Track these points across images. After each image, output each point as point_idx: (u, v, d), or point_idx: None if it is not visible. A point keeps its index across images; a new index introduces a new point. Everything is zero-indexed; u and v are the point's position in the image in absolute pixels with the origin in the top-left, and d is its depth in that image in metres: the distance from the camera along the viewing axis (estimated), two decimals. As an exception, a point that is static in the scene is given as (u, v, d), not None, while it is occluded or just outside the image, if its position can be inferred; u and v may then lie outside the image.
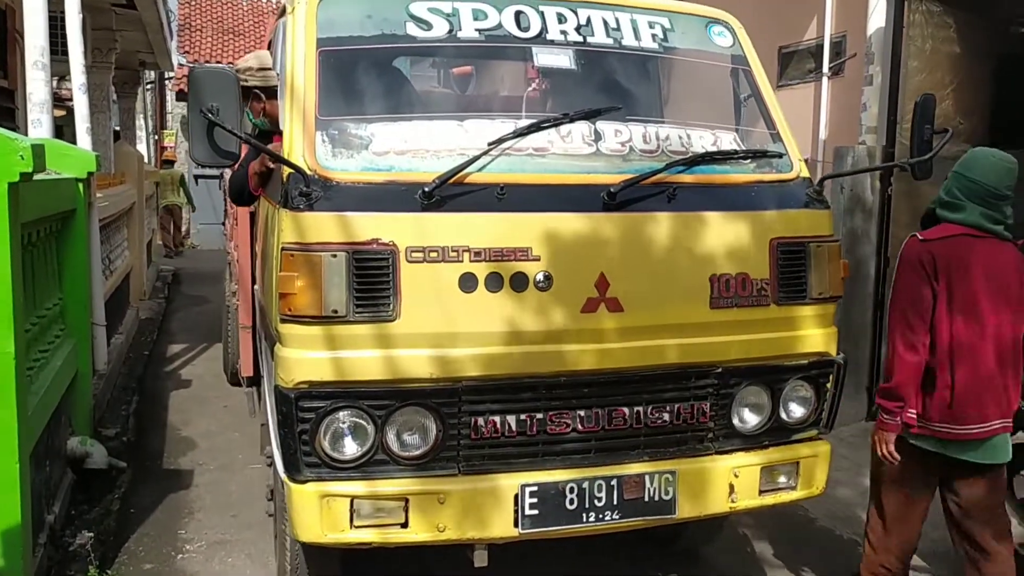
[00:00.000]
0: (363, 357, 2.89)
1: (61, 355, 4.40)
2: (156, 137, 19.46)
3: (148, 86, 19.40)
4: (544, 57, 3.44)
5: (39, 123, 5.11)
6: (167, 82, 20.52)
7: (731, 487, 3.26)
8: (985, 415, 3.12)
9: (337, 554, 3.41)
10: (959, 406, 3.10)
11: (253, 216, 4.47)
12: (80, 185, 4.95)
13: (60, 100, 18.94)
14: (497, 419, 3.01)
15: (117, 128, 14.83)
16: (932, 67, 6.16)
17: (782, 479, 3.37)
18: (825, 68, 7.04)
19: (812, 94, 7.37)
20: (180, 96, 19.45)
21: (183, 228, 17.73)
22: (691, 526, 3.96)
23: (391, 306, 2.86)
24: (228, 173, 5.27)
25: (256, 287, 4.29)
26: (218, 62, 19.05)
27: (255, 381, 4.78)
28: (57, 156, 4.63)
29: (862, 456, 4.85)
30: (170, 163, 17.98)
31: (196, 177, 18.27)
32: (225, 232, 8.54)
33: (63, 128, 7.89)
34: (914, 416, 3.16)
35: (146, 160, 15.75)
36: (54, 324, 4.55)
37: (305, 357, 2.87)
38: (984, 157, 3.16)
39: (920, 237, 3.21)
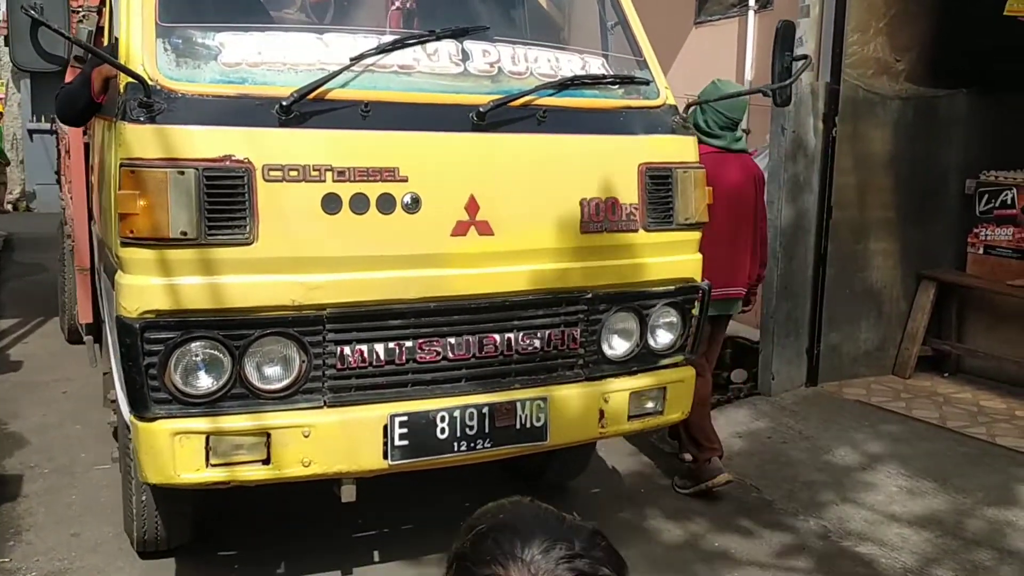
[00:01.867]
0: (217, 283, 2.68)
1: None
2: None
3: None
4: (408, -28, 3.27)
5: None
6: None
7: (601, 413, 3.26)
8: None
9: (189, 496, 3.21)
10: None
11: (87, 148, 4.10)
12: None
13: None
14: (364, 348, 2.88)
15: None
16: (873, -2, 5.44)
17: (650, 404, 3.41)
18: (751, 1, 6.32)
19: (736, 30, 6.65)
20: (7, 41, 17.66)
21: (6, 187, 15.96)
22: (558, 459, 3.97)
23: (248, 228, 2.66)
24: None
25: (94, 223, 3.95)
26: None
27: (95, 329, 4.44)
28: None
29: (809, 427, 4.85)
30: None
31: (31, 132, 16.30)
32: (59, 182, 7.86)
33: None
34: None
35: None
36: None
37: (151, 284, 2.64)
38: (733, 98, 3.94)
39: None
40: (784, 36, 3.35)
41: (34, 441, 4.64)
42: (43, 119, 14.50)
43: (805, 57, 3.35)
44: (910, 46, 5.57)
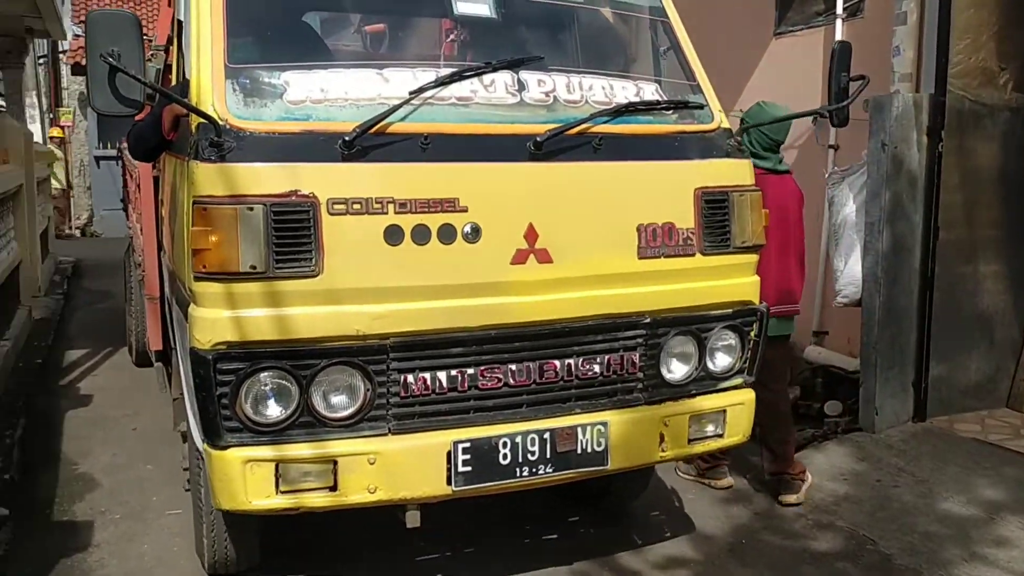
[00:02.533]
0: (285, 314, 2.76)
1: None
2: (52, 116, 17.79)
3: (41, 61, 17.75)
4: (463, 5, 3.35)
5: None
6: (62, 55, 18.48)
7: (661, 436, 3.27)
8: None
9: (258, 521, 3.29)
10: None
11: (157, 181, 4.24)
12: None
13: None
14: (427, 376, 2.93)
15: (2, 105, 13.68)
16: (979, 2, 5.02)
17: (710, 427, 3.40)
18: (839, 8, 5.72)
19: (821, 41, 6.01)
20: (76, 70, 16.88)
21: (68, 212, 16.39)
22: (618, 482, 3.97)
23: (313, 260, 2.74)
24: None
25: (163, 253, 4.08)
26: None
27: (164, 355, 4.58)
28: None
29: (922, 469, 4.53)
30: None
31: (97, 159, 16.41)
32: (125, 208, 8.10)
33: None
34: None
35: (40, 140, 14.40)
36: None
37: (222, 316, 2.73)
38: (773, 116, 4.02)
39: None
40: (840, 56, 3.34)
41: (105, 483, 4.52)
42: (109, 146, 14.89)
43: (863, 77, 3.33)
44: (1015, 53, 5.18)
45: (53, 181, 14.13)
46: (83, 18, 16.22)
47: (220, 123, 2.72)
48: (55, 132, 16.37)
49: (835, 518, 4.07)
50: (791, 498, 4.24)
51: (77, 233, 16.28)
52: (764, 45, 6.56)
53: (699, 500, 4.33)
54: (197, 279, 2.73)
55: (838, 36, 5.67)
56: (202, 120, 2.74)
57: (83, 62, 14.82)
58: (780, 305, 4.10)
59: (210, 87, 2.81)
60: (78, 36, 16.04)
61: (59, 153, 15.52)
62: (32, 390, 5.97)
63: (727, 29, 6.67)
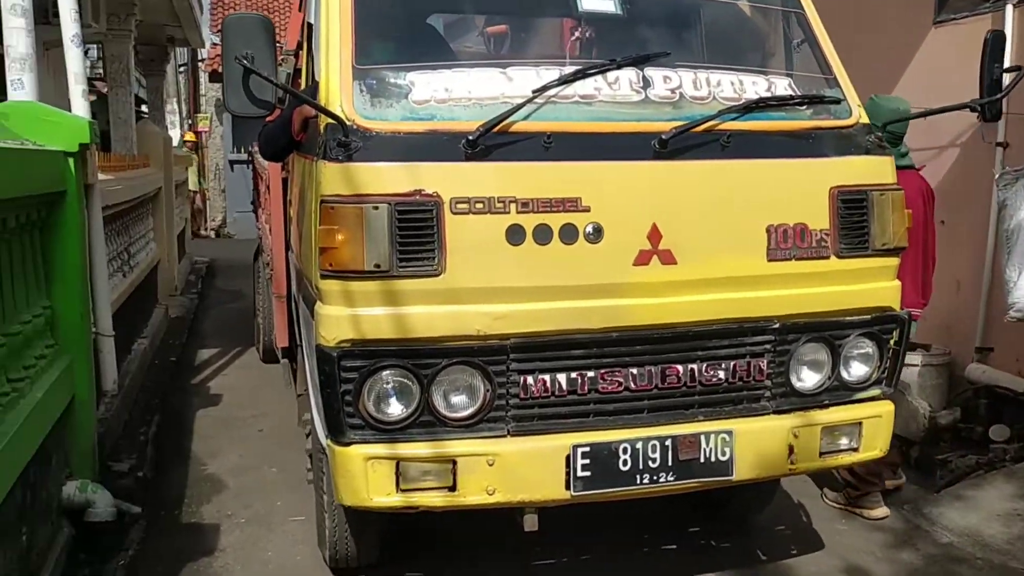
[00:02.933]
0: (407, 313, 2.77)
1: (48, 379, 3.42)
2: (190, 121, 18.68)
3: (181, 69, 18.63)
4: (588, 2, 3.30)
5: (19, 84, 4.25)
6: (200, 63, 19.14)
7: (790, 448, 3.12)
8: None
9: (377, 517, 3.32)
10: None
11: (285, 182, 4.38)
12: (71, 161, 3.89)
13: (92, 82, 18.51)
14: (547, 378, 2.89)
15: (145, 111, 14.27)
16: None
17: (843, 441, 3.23)
18: None
19: (989, 29, 5.03)
20: (214, 77, 17.52)
21: (205, 213, 17.15)
22: (741, 493, 3.83)
23: (436, 260, 2.75)
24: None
25: (291, 252, 4.20)
26: None
27: (290, 352, 4.71)
28: (35, 122, 3.75)
29: None
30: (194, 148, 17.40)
31: (232, 162, 17.03)
32: (255, 210, 8.43)
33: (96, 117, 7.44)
34: None
35: (176, 144, 15.22)
36: (38, 339, 3.52)
37: (347, 314, 2.77)
38: (897, 112, 3.88)
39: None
40: (993, 47, 3.12)
41: (231, 485, 4.57)
42: (242, 150, 15.36)
43: (1019, 68, 3.09)
44: None
45: (189, 185, 14.80)
46: (220, 28, 17.02)
47: (347, 123, 2.76)
48: (189, 137, 17.29)
49: (1008, 558, 3.73)
50: (878, 512, 4.12)
51: (212, 234, 17.00)
52: (921, 35, 6.05)
53: (851, 530, 4.10)
54: (323, 277, 2.78)
55: (1008, 23, 5.21)
56: (330, 121, 2.79)
57: (220, 69, 15.64)
58: (912, 308, 3.86)
59: (338, 88, 2.86)
60: (216, 44, 16.65)
61: (193, 157, 16.29)
62: (166, 388, 6.12)
63: (878, 18, 6.21)
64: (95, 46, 11.98)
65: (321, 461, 3.36)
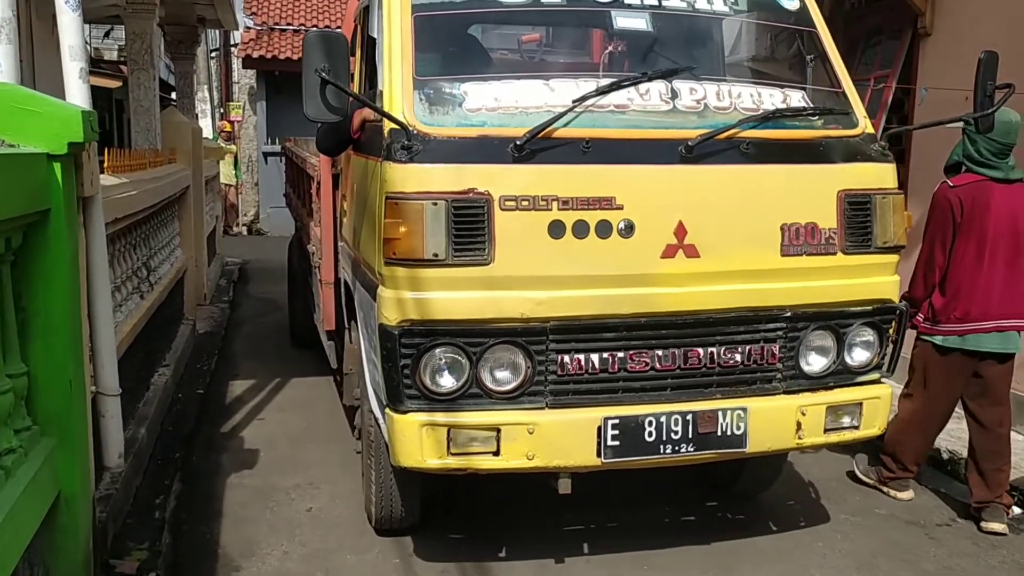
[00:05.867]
0: (460, 298, 3.14)
1: (19, 479, 2.52)
2: (222, 110, 17.92)
3: (212, 54, 17.90)
4: (623, 20, 3.65)
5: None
6: (233, 48, 17.87)
7: (798, 424, 3.46)
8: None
9: (421, 482, 3.69)
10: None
11: (335, 177, 4.73)
12: (57, 167, 2.83)
13: (98, 63, 16.14)
14: (581, 357, 3.25)
15: (173, 99, 13.50)
16: None
17: (846, 419, 3.57)
18: None
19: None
20: (248, 63, 16.17)
21: (237, 208, 16.29)
22: (749, 469, 4.18)
23: (486, 250, 3.10)
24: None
25: (340, 242, 4.55)
26: (288, 24, 16.30)
27: (335, 335, 5.06)
28: (7, 113, 2.76)
29: None
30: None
31: (265, 155, 16.16)
32: (289, 204, 8.62)
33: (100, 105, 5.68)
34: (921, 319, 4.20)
35: (209, 135, 14.51)
36: (5, 423, 2.59)
37: (407, 297, 3.13)
38: (1007, 123, 3.92)
39: (951, 184, 4.08)
40: (987, 65, 3.44)
41: None
42: (276, 142, 14.19)
43: (1009, 86, 3.42)
44: None
45: (224, 178, 14.02)
46: (254, 10, 16.51)
47: (410, 129, 3.12)
48: (225, 127, 16.45)
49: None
50: (996, 526, 4.04)
51: (244, 231, 16.34)
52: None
53: (858, 505, 4.35)
54: (387, 264, 3.14)
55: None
56: (394, 126, 3.15)
57: (253, 55, 15.72)
58: (1006, 319, 4.05)
59: (400, 97, 3.23)
60: (249, 28, 16.02)
61: (232, 148, 15.59)
62: (190, 437, 5.11)
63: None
64: (121, 27, 10.89)
65: (372, 431, 3.73)
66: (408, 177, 3.10)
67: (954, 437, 4.82)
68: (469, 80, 3.35)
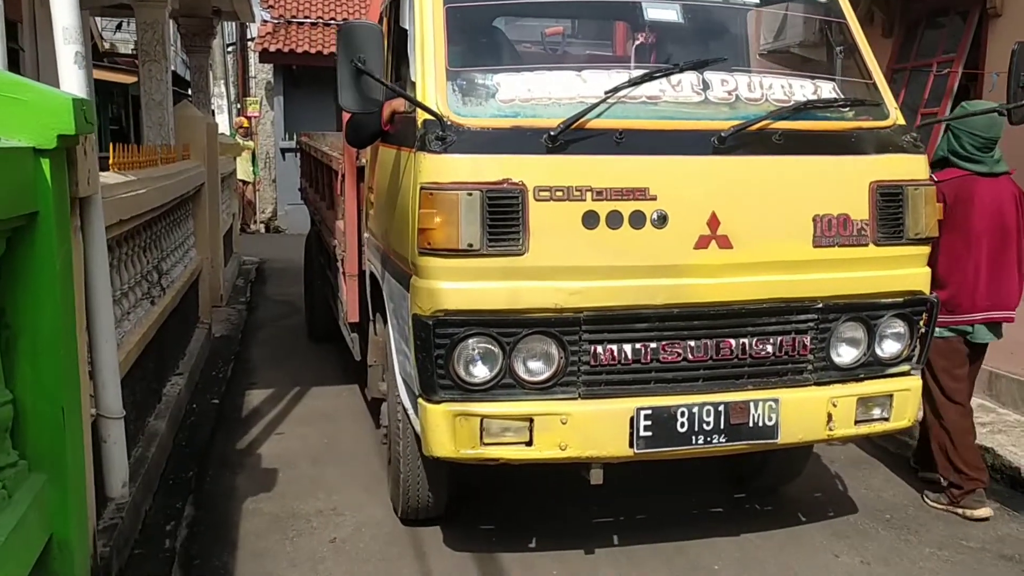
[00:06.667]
0: (494, 288, 3.15)
1: (3, 524, 2.22)
2: (239, 106, 17.71)
3: (229, 49, 17.67)
4: (654, 12, 3.65)
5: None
6: (250, 42, 17.69)
7: (829, 416, 3.46)
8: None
9: (448, 472, 3.71)
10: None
11: (360, 170, 4.74)
12: (45, 163, 2.53)
13: (112, 56, 16.48)
14: (614, 347, 3.25)
15: (188, 94, 13.21)
16: None
17: (876, 411, 3.57)
18: None
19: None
20: (264, 57, 15.88)
21: (255, 205, 16.04)
22: (773, 463, 4.18)
23: (520, 241, 3.11)
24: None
25: (366, 234, 4.56)
26: (305, 17, 16.12)
27: (359, 327, 5.07)
28: None
29: None
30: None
31: (283, 151, 15.89)
32: (304, 197, 8.63)
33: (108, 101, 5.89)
34: None
35: (226, 131, 14.44)
36: None
37: (442, 287, 3.14)
38: (988, 117, 3.95)
39: (935, 179, 3.89)
40: (1020, 56, 3.43)
41: None
42: (294, 138, 13.49)
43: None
44: None
45: (240, 175, 13.73)
46: (271, 2, 16.38)
47: (444, 119, 3.13)
48: (243, 122, 16.13)
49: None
50: (980, 512, 4.08)
51: (261, 228, 16.14)
52: None
53: (885, 497, 4.31)
54: (421, 254, 3.15)
55: None
56: (428, 116, 3.16)
57: (271, 48, 15.70)
58: (995, 311, 4.09)
59: (434, 88, 3.23)
60: (266, 21, 15.73)
61: (250, 144, 15.29)
62: (204, 453, 4.82)
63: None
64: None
65: (400, 422, 3.75)
66: (443, 167, 3.11)
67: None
68: (501, 71, 3.36)
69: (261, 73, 17.49)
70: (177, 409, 5.10)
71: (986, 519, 4.10)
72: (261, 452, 4.98)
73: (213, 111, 12.92)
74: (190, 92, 12.48)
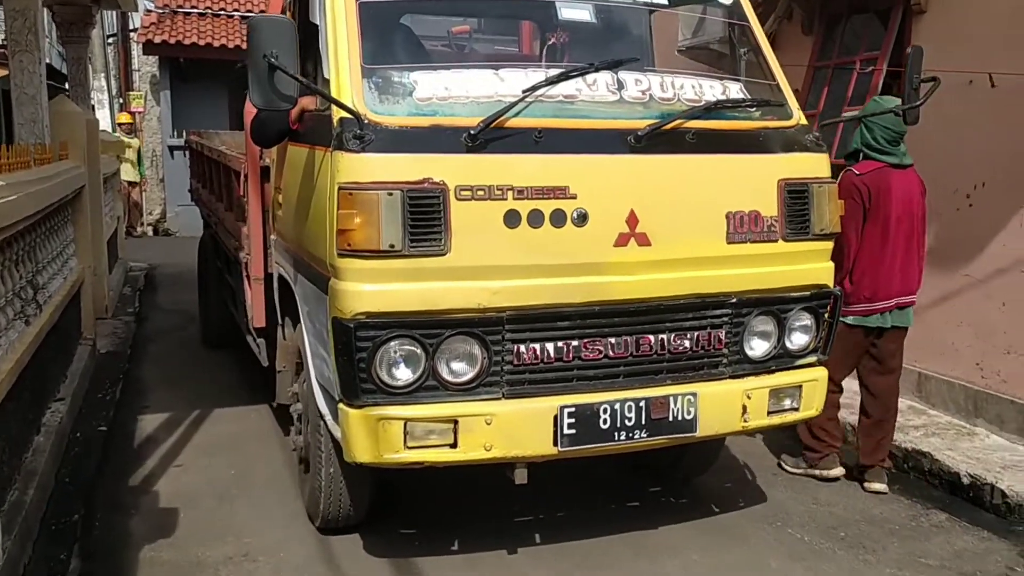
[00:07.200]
0: (416, 289, 3.10)
1: None
2: (121, 101, 16.64)
3: (110, 40, 16.58)
4: (567, 11, 3.67)
5: None
6: (132, 33, 16.47)
7: (744, 408, 3.56)
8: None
9: (369, 478, 3.64)
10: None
11: (264, 171, 4.58)
12: None
13: None
14: (537, 346, 3.25)
15: (64, 87, 11.95)
16: None
17: (787, 401, 3.69)
18: None
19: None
20: (149, 48, 14.77)
21: (141, 207, 15.14)
22: (688, 456, 4.27)
23: (442, 241, 3.07)
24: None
25: (273, 236, 4.41)
26: (192, 7, 15.26)
27: (265, 332, 4.91)
28: None
29: None
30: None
31: (171, 149, 14.85)
32: (195, 199, 8.28)
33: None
34: None
35: (108, 128, 13.71)
36: None
37: (362, 289, 3.07)
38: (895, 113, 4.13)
39: (856, 172, 4.26)
40: (914, 60, 3.62)
41: None
42: (183, 134, 12.65)
43: (934, 79, 3.60)
44: None
45: (124, 175, 12.91)
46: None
47: (361, 117, 3.05)
48: (124, 118, 15.06)
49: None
50: (878, 486, 4.38)
51: (149, 231, 15.21)
52: None
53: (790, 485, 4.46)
54: (341, 256, 3.07)
55: None
56: (345, 115, 3.08)
57: (155, 40, 14.81)
58: (904, 296, 4.33)
59: (349, 85, 3.15)
60: (150, 11, 14.72)
61: (134, 141, 14.45)
62: (91, 493, 4.20)
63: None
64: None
65: (318, 427, 3.64)
66: (362, 167, 3.03)
67: (972, 459, 4.57)
68: (417, 69, 3.31)
69: (145, 66, 16.35)
70: (59, 440, 4.50)
71: (837, 479, 4.50)
72: (158, 489, 4.36)
73: (93, 106, 12.13)
74: (67, 86, 11.51)
